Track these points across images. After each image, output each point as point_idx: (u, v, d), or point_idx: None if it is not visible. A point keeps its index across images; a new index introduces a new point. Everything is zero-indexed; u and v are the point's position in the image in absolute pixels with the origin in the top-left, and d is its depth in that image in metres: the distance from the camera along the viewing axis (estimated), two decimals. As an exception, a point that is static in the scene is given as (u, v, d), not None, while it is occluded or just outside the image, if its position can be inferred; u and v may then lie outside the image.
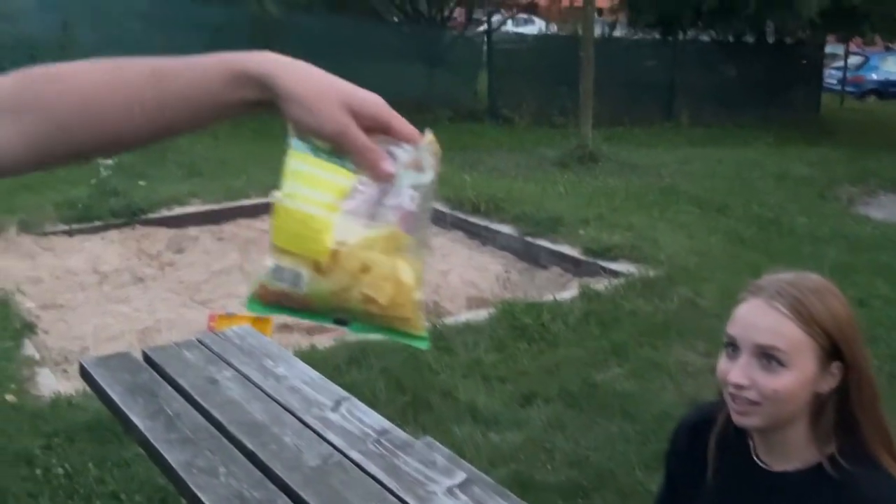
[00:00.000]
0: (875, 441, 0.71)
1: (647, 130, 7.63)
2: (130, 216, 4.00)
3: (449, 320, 3.06)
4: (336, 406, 1.28)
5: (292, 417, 1.23)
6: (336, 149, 0.30)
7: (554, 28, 12.70)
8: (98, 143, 0.34)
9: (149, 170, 4.64)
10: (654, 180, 5.44)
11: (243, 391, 1.31)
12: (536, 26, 13.02)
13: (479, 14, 9.52)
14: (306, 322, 2.78)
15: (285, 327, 3.03)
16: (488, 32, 8.57)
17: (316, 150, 0.31)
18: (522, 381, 2.63)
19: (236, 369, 1.40)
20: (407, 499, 0.97)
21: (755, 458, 0.77)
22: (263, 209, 4.25)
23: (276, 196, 0.31)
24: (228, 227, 4.22)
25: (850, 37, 9.72)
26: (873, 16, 8.11)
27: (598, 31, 7.65)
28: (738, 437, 0.78)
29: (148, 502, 1.84)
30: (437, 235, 4.11)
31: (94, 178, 4.10)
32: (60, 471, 1.91)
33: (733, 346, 0.71)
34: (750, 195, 5.17)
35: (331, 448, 1.14)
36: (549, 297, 3.33)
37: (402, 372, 2.40)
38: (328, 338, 2.97)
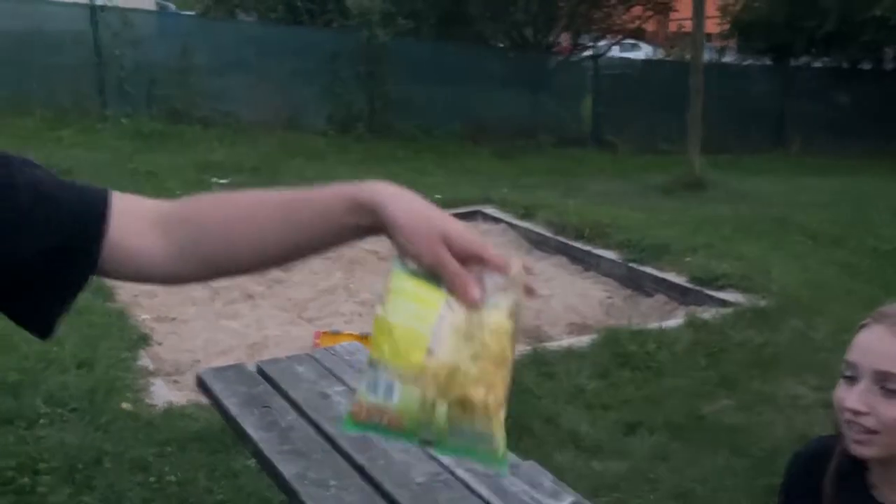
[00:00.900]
0: None
1: (756, 158, 7.56)
2: None
3: (551, 345, 3.17)
4: None
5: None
6: (432, 274, 0.33)
7: (661, 53, 12.65)
8: (236, 268, 0.41)
9: (262, 186, 5.25)
10: (764, 209, 5.33)
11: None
12: (643, 52, 13.00)
13: (584, 40, 9.76)
14: None
15: None
16: (594, 58, 8.92)
17: (416, 272, 0.34)
18: (626, 409, 2.72)
19: (346, 384, 1.41)
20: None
21: (873, 493, 0.76)
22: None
23: (378, 312, 0.34)
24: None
25: None
26: None
27: (706, 56, 7.70)
28: (855, 470, 0.77)
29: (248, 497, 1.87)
30: (540, 260, 4.37)
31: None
32: (173, 478, 2.00)
33: (852, 373, 0.71)
34: (865, 227, 5.05)
35: (438, 466, 1.16)
36: (654, 325, 3.44)
37: (504, 396, 2.64)
38: None
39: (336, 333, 3.09)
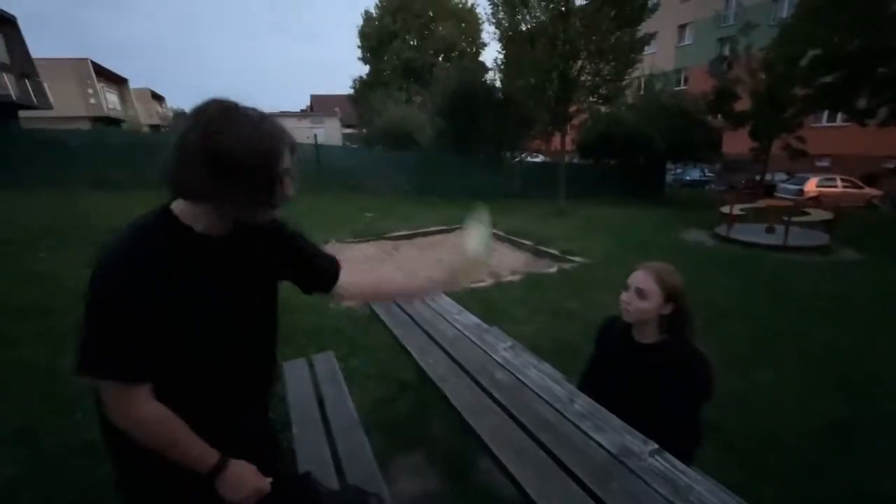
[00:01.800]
0: (687, 333, 1.47)
1: (585, 202, 13.53)
2: (378, 235, 7.46)
3: (503, 280, 5.32)
4: (458, 312, 2.29)
5: (441, 317, 2.18)
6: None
7: (547, 158, 20.07)
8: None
9: (386, 218, 8.93)
10: (590, 223, 9.79)
11: (423, 306, 2.34)
12: (539, 158, 20.47)
13: (517, 153, 17.06)
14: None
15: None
16: (520, 161, 16.32)
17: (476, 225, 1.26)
18: (534, 304, 4.64)
19: (428, 305, 2.35)
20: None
21: (633, 336, 1.54)
22: (431, 234, 8.01)
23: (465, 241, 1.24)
24: (416, 241, 7.52)
25: (683, 160, 16.97)
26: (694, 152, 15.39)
27: (566, 159, 15.57)
28: (627, 328, 1.56)
29: (386, 349, 3.10)
30: (500, 245, 7.77)
31: (364, 222, 8.75)
32: (350, 334, 3.48)
33: (628, 287, 1.47)
34: (634, 230, 8.92)
35: (456, 329, 2.22)
36: (545, 270, 5.82)
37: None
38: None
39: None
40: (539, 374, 1.74)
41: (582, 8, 10.78)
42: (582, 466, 1.24)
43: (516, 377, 1.71)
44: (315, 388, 2.26)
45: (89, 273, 0.86)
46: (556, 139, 13.22)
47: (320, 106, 45.31)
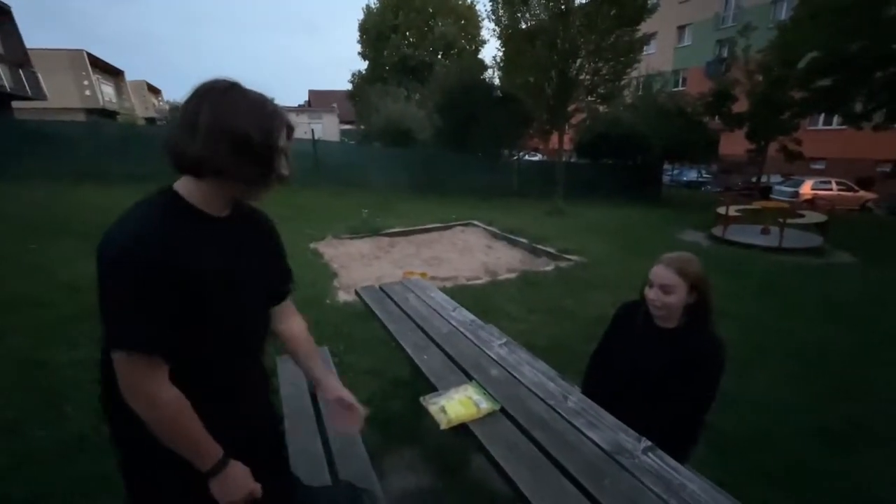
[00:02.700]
0: (710, 322, 1.47)
1: (583, 201, 13.48)
2: (374, 232, 7.39)
3: (499, 278, 5.34)
4: (454, 309, 2.27)
5: (436, 313, 2.17)
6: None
7: (545, 157, 20.53)
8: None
9: (383, 215, 8.79)
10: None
11: (418, 301, 2.32)
12: (538, 156, 20.28)
13: (515, 152, 16.65)
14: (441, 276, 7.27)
15: (432, 279, 5.16)
16: (518, 159, 17.44)
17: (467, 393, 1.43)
18: (530, 303, 4.72)
19: (416, 294, 2.41)
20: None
21: (657, 324, 1.54)
22: (428, 230, 8.02)
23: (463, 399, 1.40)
24: (413, 237, 7.49)
25: (680, 161, 16.87)
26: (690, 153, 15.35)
27: (564, 158, 15.61)
28: (649, 315, 1.57)
29: (382, 346, 3.12)
30: (495, 242, 8.43)
31: (360, 218, 8.64)
32: (346, 330, 3.47)
33: (650, 283, 1.49)
34: (631, 230, 8.94)
35: (452, 326, 2.02)
36: (541, 269, 6.14)
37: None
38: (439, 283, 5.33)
39: (412, 272, 5.07)
40: (533, 371, 1.74)
41: (582, 7, 10.76)
42: (575, 463, 1.23)
43: (510, 374, 1.70)
44: (309, 384, 2.24)
45: (98, 249, 0.85)
46: (555, 138, 13.20)
47: (318, 101, 45.09)
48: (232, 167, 0.90)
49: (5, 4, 17.76)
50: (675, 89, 22.66)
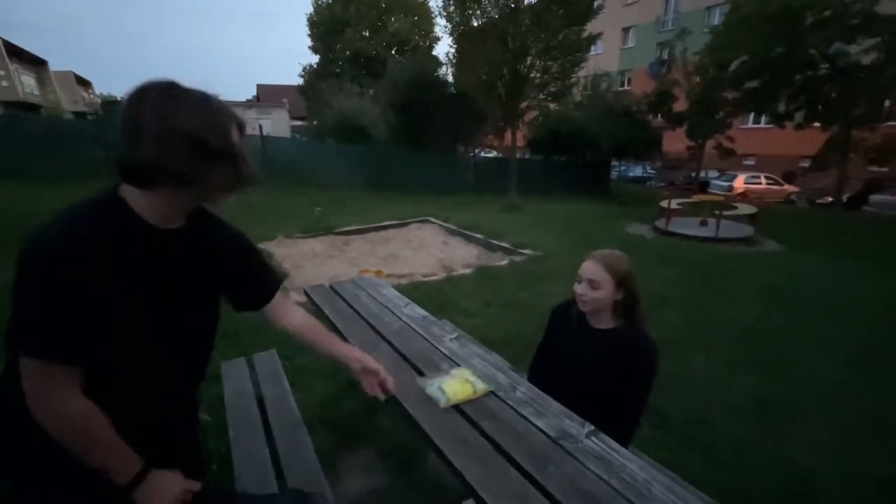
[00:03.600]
0: (639, 319, 1.50)
1: (534, 197, 13.65)
2: (327, 231, 7.26)
3: (455, 273, 5.44)
4: (405, 305, 2.26)
5: (388, 310, 2.19)
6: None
7: (500, 154, 20.66)
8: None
9: (337, 213, 8.70)
10: (541, 218, 10.05)
11: (369, 299, 2.31)
12: (493, 153, 20.50)
13: (470, 148, 16.68)
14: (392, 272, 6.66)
15: (388, 276, 5.15)
16: (474, 156, 17.27)
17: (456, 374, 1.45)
18: (486, 297, 4.61)
19: (367, 292, 2.40)
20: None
21: (589, 323, 1.56)
22: (383, 228, 7.95)
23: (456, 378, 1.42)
24: (368, 235, 7.47)
25: (627, 157, 17.94)
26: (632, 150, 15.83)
27: (518, 154, 14.51)
28: (582, 315, 1.57)
29: None
30: (452, 238, 8.64)
31: (313, 217, 8.40)
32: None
33: (580, 278, 1.51)
34: (580, 223, 9.21)
35: (403, 322, 1.97)
36: (496, 263, 6.26)
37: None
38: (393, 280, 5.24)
39: (367, 270, 5.09)
40: (484, 364, 1.75)
41: (532, 6, 10.97)
42: (522, 452, 1.25)
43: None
44: (255, 388, 2.15)
45: (22, 250, 0.77)
46: (508, 135, 13.43)
47: (267, 96, 43.38)
48: (195, 173, 0.83)
49: None
50: (622, 89, 23.68)
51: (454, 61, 12.90)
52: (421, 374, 1.69)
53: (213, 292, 1.06)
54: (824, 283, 6.07)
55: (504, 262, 6.03)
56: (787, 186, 19.31)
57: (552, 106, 14.81)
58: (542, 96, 12.80)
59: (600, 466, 1.19)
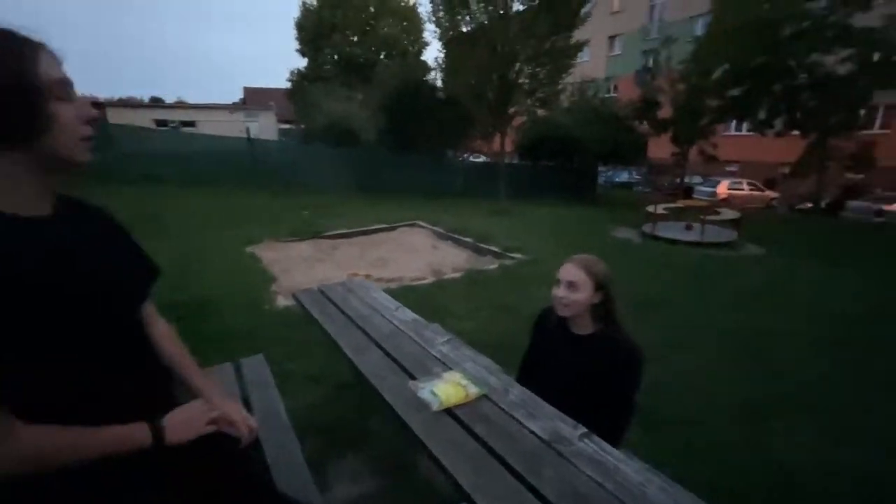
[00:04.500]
0: (616, 322, 1.50)
1: (524, 202, 13.66)
2: (315, 234, 7.18)
3: (444, 277, 5.32)
4: (396, 308, 2.22)
5: (378, 313, 2.10)
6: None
7: (489, 159, 20.67)
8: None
9: (325, 216, 8.62)
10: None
11: (359, 302, 2.30)
12: (482, 158, 20.60)
13: (460, 153, 16.93)
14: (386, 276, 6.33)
15: (377, 280, 5.18)
16: (463, 160, 17.31)
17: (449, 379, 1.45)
18: (476, 301, 4.66)
19: (357, 295, 2.42)
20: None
21: (570, 329, 1.55)
22: (372, 232, 7.86)
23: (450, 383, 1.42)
24: (355, 239, 7.36)
25: (613, 163, 17.91)
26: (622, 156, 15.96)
27: (506, 160, 14.59)
28: (562, 319, 1.56)
29: (324, 350, 2.98)
30: (441, 242, 8.61)
31: (301, 220, 8.35)
32: (285, 335, 3.33)
33: (559, 281, 1.52)
34: (564, 228, 9.21)
35: (393, 325, 1.98)
36: (485, 267, 6.16)
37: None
38: (384, 284, 5.36)
39: (356, 274, 5.07)
40: (476, 367, 1.74)
41: (520, 12, 11.09)
42: (515, 455, 1.24)
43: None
44: (243, 394, 2.10)
45: None
46: (497, 140, 13.50)
47: (254, 99, 42.95)
48: None
49: None
50: (608, 95, 24.01)
51: (443, 66, 12.95)
52: (412, 377, 1.68)
53: (124, 275, 0.91)
54: (805, 285, 6.21)
55: (493, 266, 6.05)
56: (768, 192, 19.76)
57: (540, 112, 14.96)
58: (530, 102, 12.91)
59: (594, 469, 1.19)
